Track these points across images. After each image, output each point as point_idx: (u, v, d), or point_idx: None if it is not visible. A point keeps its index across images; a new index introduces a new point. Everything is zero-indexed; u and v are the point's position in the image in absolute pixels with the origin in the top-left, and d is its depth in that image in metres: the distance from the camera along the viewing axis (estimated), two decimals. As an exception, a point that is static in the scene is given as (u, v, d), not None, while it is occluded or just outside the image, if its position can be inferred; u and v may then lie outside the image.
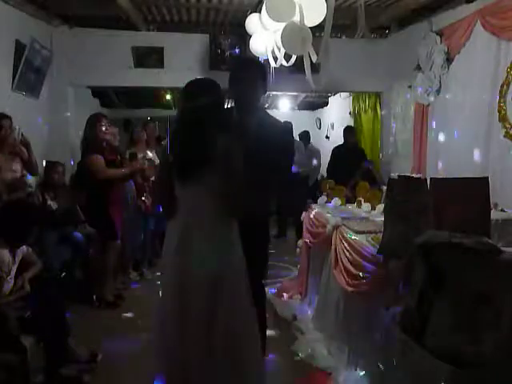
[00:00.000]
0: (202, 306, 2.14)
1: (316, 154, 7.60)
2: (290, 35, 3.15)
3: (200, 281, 2.14)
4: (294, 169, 6.91)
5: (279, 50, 3.67)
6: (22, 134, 3.87)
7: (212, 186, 2.16)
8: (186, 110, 2.25)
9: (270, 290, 4.43)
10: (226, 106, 2.39)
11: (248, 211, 2.15)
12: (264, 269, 2.64)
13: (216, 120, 2.20)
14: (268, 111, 2.75)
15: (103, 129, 4.20)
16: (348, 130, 6.94)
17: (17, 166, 3.72)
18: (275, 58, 3.85)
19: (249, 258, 2.23)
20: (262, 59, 4.13)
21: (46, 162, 4.59)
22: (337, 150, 6.63)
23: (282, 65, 3.86)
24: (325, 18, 3.08)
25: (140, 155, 4.83)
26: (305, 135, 7.73)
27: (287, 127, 2.66)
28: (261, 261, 2.56)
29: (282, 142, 2.46)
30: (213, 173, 2.14)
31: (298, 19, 3.10)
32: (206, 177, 2.15)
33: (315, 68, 3.30)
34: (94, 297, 4.17)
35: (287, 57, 3.71)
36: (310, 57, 3.31)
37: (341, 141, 8.86)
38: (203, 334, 2.14)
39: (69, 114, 5.79)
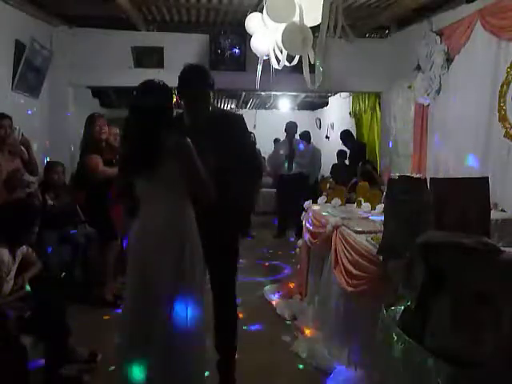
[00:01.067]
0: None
1: (316, 154, 7.60)
2: (290, 35, 3.14)
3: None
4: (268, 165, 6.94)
5: (281, 51, 3.67)
6: (23, 134, 3.87)
7: (166, 182, 2.27)
8: (135, 111, 2.34)
9: (269, 293, 4.45)
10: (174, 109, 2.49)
11: (212, 200, 2.29)
12: (234, 260, 2.72)
13: (163, 121, 2.30)
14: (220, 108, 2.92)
15: (100, 129, 4.20)
16: (345, 135, 7.04)
17: (18, 166, 3.72)
18: (277, 59, 3.85)
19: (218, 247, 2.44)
20: (262, 58, 4.13)
21: (46, 162, 4.60)
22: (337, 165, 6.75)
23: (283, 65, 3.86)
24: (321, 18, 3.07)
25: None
26: (305, 135, 7.73)
27: (238, 116, 2.83)
28: (230, 251, 2.67)
29: (235, 134, 2.60)
30: (166, 170, 2.24)
31: (298, 19, 3.10)
32: (160, 175, 2.25)
33: (312, 68, 3.30)
34: (94, 297, 4.18)
35: (289, 57, 3.71)
36: (308, 57, 3.31)
37: (340, 141, 8.88)
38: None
39: (69, 114, 5.79)
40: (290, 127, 7.16)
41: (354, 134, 8.28)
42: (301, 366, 3.10)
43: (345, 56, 5.71)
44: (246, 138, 2.79)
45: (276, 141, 8.85)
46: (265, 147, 8.75)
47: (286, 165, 7.01)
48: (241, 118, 2.76)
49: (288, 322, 3.79)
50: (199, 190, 2.29)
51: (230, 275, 2.69)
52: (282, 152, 7.12)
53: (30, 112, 5.00)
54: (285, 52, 3.59)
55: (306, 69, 3.33)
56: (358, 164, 6.28)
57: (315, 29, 3.18)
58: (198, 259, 2.33)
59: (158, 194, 2.30)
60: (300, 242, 4.43)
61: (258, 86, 4.28)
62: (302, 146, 7.17)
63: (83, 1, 4.90)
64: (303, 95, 9.49)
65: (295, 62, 3.71)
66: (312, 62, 3.25)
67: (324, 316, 3.43)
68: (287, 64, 3.76)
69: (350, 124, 8.57)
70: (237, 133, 2.63)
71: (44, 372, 2.74)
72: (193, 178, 2.27)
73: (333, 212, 3.68)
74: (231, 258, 2.69)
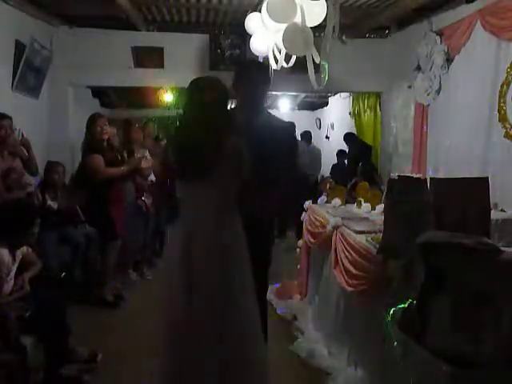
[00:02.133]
0: (213, 304, 2.12)
1: (317, 154, 7.60)
2: (292, 36, 3.14)
3: (209, 279, 2.12)
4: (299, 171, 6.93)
5: (279, 51, 3.67)
6: (23, 135, 3.87)
7: (220, 186, 2.15)
8: (195, 109, 2.19)
9: (270, 293, 4.44)
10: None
11: (256, 210, 2.19)
12: (266, 271, 2.61)
13: (225, 119, 2.19)
14: (271, 112, 2.78)
15: (101, 129, 4.20)
16: (349, 138, 7.06)
17: (17, 166, 3.72)
18: (276, 60, 3.85)
19: (252, 259, 2.23)
20: (261, 58, 4.13)
21: (47, 162, 4.59)
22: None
23: (282, 66, 3.86)
24: (326, 18, 3.08)
25: (138, 154, 4.82)
26: (306, 135, 7.73)
27: (291, 128, 2.66)
28: (264, 262, 2.54)
29: (287, 144, 2.49)
30: (222, 173, 2.12)
31: (299, 20, 3.10)
32: (215, 177, 2.13)
33: (317, 68, 3.29)
34: (94, 297, 4.18)
35: (287, 58, 3.71)
36: (312, 57, 3.31)
37: (340, 141, 8.88)
38: (215, 334, 2.13)
39: (69, 114, 5.79)
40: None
41: (357, 134, 8.30)
42: (301, 366, 3.10)
43: (345, 56, 5.70)
44: (294, 149, 2.67)
45: None
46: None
47: None
48: (293, 126, 2.63)
49: (288, 322, 3.79)
50: (248, 196, 2.17)
51: (263, 285, 2.57)
52: None
53: (29, 112, 5.00)
54: (283, 52, 3.59)
55: (310, 69, 3.32)
56: (357, 164, 6.29)
57: (316, 29, 3.18)
58: (247, 267, 2.22)
59: (211, 197, 2.16)
60: (300, 242, 4.42)
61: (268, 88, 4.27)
62: (301, 146, 7.16)
63: (83, 1, 4.90)
64: (303, 95, 9.49)
65: (292, 63, 3.71)
66: (317, 62, 3.24)
67: (324, 316, 3.43)
68: (285, 65, 3.76)
69: (350, 124, 8.57)
70: (287, 141, 2.51)
71: (44, 372, 2.74)
72: (246, 182, 2.15)
73: (333, 212, 3.68)
74: (265, 268, 2.58)
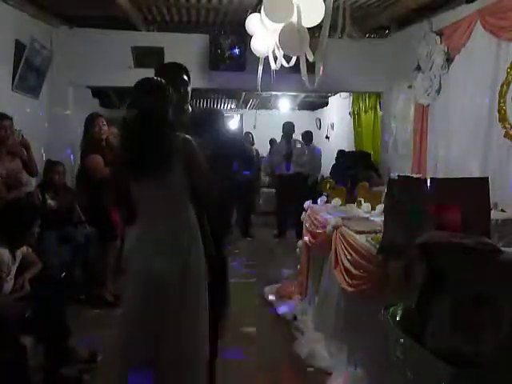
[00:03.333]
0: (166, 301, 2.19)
1: (316, 154, 7.61)
2: (288, 36, 3.15)
3: (164, 274, 2.18)
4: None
5: (279, 50, 3.67)
6: (23, 136, 3.87)
7: (172, 183, 2.21)
8: (144, 109, 2.25)
9: (269, 293, 4.45)
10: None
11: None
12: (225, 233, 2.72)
13: (167, 118, 2.25)
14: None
15: (100, 128, 4.19)
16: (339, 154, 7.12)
17: (16, 167, 3.72)
18: (275, 59, 3.85)
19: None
20: (262, 58, 4.13)
21: (46, 162, 4.59)
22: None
23: (281, 65, 3.86)
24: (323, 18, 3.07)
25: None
26: (307, 135, 7.73)
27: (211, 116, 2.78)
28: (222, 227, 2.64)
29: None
30: (172, 170, 2.18)
31: (296, 20, 3.10)
32: (167, 174, 2.19)
33: (311, 68, 3.30)
34: (94, 297, 4.18)
35: (287, 57, 3.71)
36: (306, 57, 3.31)
37: (340, 141, 8.90)
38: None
39: (69, 114, 5.79)
40: (288, 127, 7.17)
41: (354, 134, 8.31)
42: (301, 366, 3.10)
43: (345, 56, 5.71)
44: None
45: (271, 141, 8.88)
46: (265, 147, 8.77)
47: (284, 165, 7.02)
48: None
49: (288, 322, 3.79)
50: (205, 190, 2.26)
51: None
52: (279, 152, 7.14)
53: (30, 112, 5.00)
54: (282, 51, 3.59)
55: (303, 69, 3.33)
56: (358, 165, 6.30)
57: (313, 29, 3.18)
58: (203, 262, 2.29)
59: (165, 196, 2.23)
60: (300, 242, 4.42)
61: (259, 87, 4.28)
62: (299, 146, 7.18)
63: (83, 1, 4.90)
64: (303, 95, 9.50)
65: (292, 62, 3.71)
66: (310, 60, 3.24)
67: (324, 316, 3.43)
68: (285, 64, 3.76)
69: (349, 124, 8.58)
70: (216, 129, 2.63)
71: (44, 372, 2.74)
72: (200, 176, 2.23)
73: (333, 212, 3.68)
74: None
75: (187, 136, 2.21)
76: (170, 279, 2.18)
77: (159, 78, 2.34)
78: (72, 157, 5.50)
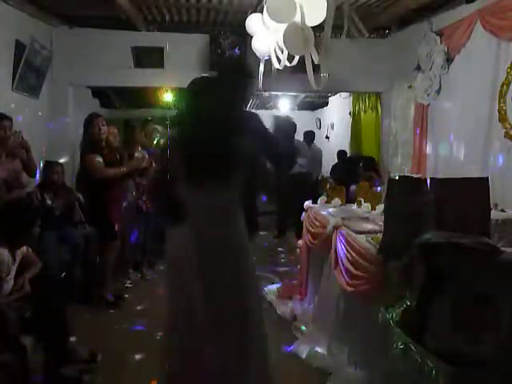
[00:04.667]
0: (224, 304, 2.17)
1: (318, 154, 7.60)
2: (292, 36, 3.14)
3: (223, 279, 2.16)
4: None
5: (282, 51, 3.67)
6: (22, 137, 3.87)
7: (232, 186, 2.17)
8: (207, 111, 2.18)
9: (270, 293, 4.44)
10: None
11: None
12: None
13: (239, 119, 2.23)
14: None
15: (99, 128, 4.19)
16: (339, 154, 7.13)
17: (16, 167, 3.72)
18: (278, 59, 3.85)
19: None
20: (262, 59, 4.13)
21: (45, 162, 4.59)
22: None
23: (284, 65, 3.86)
24: (325, 18, 3.08)
25: (139, 155, 4.82)
26: (308, 135, 7.73)
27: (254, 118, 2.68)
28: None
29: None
30: (235, 173, 2.15)
31: (299, 19, 3.10)
32: (228, 178, 2.15)
33: (317, 68, 3.29)
34: (94, 297, 4.18)
35: (290, 57, 3.71)
36: (311, 57, 3.31)
37: (340, 141, 8.90)
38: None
39: (69, 114, 5.79)
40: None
41: (354, 134, 8.31)
42: (301, 366, 3.10)
43: (345, 56, 5.70)
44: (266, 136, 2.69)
45: None
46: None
47: None
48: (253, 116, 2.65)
49: (288, 322, 3.79)
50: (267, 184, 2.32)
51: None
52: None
53: (30, 112, 5.00)
54: (285, 52, 3.59)
55: (309, 69, 3.32)
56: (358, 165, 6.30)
57: (317, 29, 3.18)
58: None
59: (224, 198, 2.18)
60: (300, 242, 4.42)
61: (260, 87, 4.28)
62: (300, 146, 7.17)
63: (83, 1, 4.90)
64: (303, 95, 9.49)
65: (295, 61, 3.71)
66: (316, 62, 3.24)
67: (324, 316, 3.42)
68: (288, 64, 3.76)
69: (349, 124, 8.57)
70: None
71: (44, 372, 2.74)
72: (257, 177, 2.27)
73: (333, 212, 3.68)
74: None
75: (251, 141, 2.17)
76: (230, 279, 2.17)
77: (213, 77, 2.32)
78: (72, 157, 5.50)
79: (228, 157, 2.13)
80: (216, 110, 2.18)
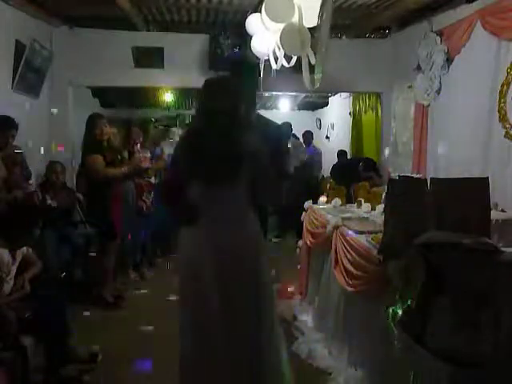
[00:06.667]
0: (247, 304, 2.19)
1: (317, 154, 7.60)
2: (289, 36, 3.15)
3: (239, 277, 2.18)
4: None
5: (280, 50, 3.67)
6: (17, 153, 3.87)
7: (244, 185, 2.18)
8: (221, 110, 2.19)
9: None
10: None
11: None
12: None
13: (248, 120, 2.26)
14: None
15: (101, 130, 4.19)
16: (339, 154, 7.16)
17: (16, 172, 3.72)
18: (276, 59, 3.85)
19: None
20: (262, 59, 4.12)
21: (49, 162, 4.60)
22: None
23: (282, 65, 3.86)
24: (323, 19, 3.08)
25: (139, 154, 4.82)
26: (307, 135, 7.73)
27: (279, 129, 2.80)
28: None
29: (273, 144, 2.50)
30: (245, 172, 2.16)
31: (297, 20, 3.10)
32: (240, 177, 2.17)
33: (312, 69, 3.30)
34: (94, 297, 4.18)
35: (288, 57, 3.71)
36: (308, 57, 3.31)
37: (340, 141, 8.90)
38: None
39: (69, 114, 5.79)
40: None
41: (354, 134, 8.30)
42: (301, 367, 3.10)
43: (345, 56, 5.71)
44: (279, 150, 2.75)
45: None
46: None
47: None
48: (280, 127, 2.81)
49: (288, 322, 3.79)
50: (272, 193, 2.32)
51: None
52: None
53: (30, 112, 5.00)
54: (283, 52, 3.59)
55: (305, 69, 3.33)
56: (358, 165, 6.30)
57: (313, 29, 3.18)
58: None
59: (237, 197, 2.20)
60: (300, 242, 4.42)
61: (260, 87, 4.27)
62: (298, 146, 7.18)
63: (83, 1, 4.90)
64: (303, 95, 9.49)
65: (293, 62, 3.71)
66: (312, 63, 3.25)
67: (324, 316, 3.43)
68: (285, 64, 3.76)
69: (349, 124, 8.57)
70: (273, 142, 2.59)
71: (44, 372, 2.74)
72: (268, 180, 2.24)
73: (333, 212, 3.68)
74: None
75: (257, 140, 2.19)
76: (247, 278, 2.19)
77: (225, 77, 2.36)
78: (72, 157, 5.50)
79: (241, 157, 2.15)
80: (230, 109, 2.19)
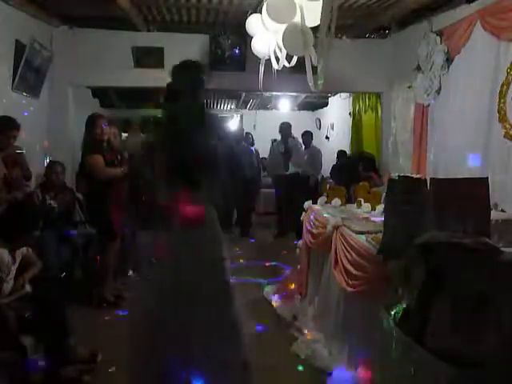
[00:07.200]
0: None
1: (316, 154, 7.60)
2: (292, 36, 3.14)
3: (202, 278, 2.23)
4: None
5: (281, 50, 3.67)
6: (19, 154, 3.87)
7: (205, 187, 2.24)
8: (171, 114, 2.32)
9: (270, 293, 4.45)
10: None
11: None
12: None
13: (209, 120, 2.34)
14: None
15: (101, 129, 4.19)
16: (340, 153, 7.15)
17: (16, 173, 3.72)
18: (277, 59, 3.85)
19: None
20: (263, 59, 4.13)
21: (49, 162, 4.60)
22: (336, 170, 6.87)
23: (283, 65, 3.86)
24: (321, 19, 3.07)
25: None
26: (307, 135, 7.73)
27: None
28: None
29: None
30: (206, 174, 2.23)
31: (299, 20, 3.10)
32: (201, 179, 2.22)
33: (315, 69, 3.30)
34: (94, 297, 4.18)
35: (289, 57, 3.71)
36: (310, 58, 3.31)
37: (340, 141, 8.90)
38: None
39: (69, 114, 5.79)
40: (284, 128, 7.19)
41: (354, 135, 8.31)
42: (301, 367, 3.10)
43: (345, 56, 5.70)
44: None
45: (274, 141, 8.88)
46: (265, 148, 8.76)
47: (282, 165, 7.03)
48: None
49: (288, 322, 3.79)
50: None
51: None
52: (276, 152, 7.16)
53: (30, 112, 5.00)
54: (284, 52, 3.59)
55: (308, 69, 3.32)
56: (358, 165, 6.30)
57: (316, 29, 3.18)
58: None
59: (199, 199, 2.25)
60: (300, 242, 4.42)
61: (260, 87, 4.28)
62: (297, 146, 7.18)
63: (83, 1, 4.90)
64: (303, 95, 9.50)
65: (294, 62, 3.71)
66: (314, 64, 3.24)
67: (324, 316, 3.43)
68: (286, 64, 3.76)
69: (349, 124, 8.58)
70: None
71: (44, 372, 2.74)
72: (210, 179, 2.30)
73: (333, 212, 3.68)
74: None
75: (215, 143, 2.29)
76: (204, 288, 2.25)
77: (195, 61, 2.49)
78: (72, 157, 5.50)
79: (196, 157, 2.21)
80: (179, 114, 2.31)
